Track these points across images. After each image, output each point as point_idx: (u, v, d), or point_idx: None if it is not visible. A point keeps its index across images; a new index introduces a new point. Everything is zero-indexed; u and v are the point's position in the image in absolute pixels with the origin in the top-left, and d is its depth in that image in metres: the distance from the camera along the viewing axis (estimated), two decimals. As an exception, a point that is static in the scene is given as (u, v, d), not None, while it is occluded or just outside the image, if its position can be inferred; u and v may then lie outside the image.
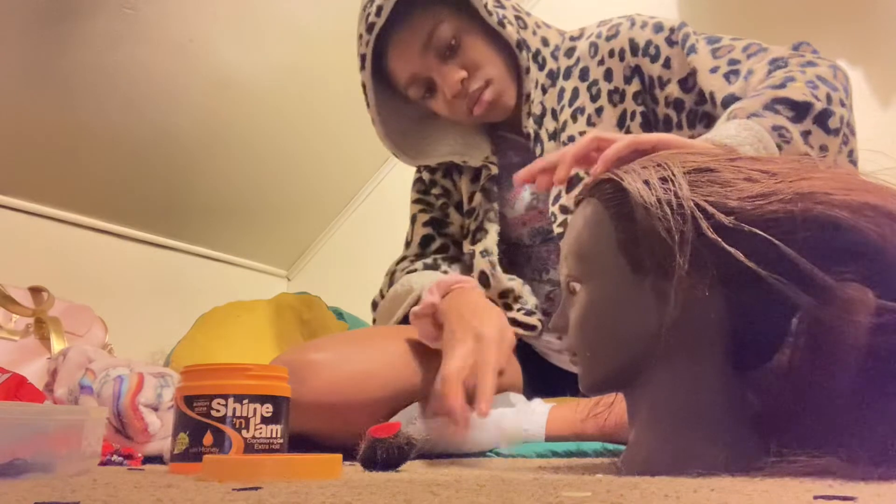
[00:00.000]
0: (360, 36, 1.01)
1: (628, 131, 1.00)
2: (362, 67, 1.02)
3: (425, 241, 1.15)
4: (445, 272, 1.09)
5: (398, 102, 1.10)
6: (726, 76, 0.92)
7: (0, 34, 1.32)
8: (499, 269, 1.07)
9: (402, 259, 1.16)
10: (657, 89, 0.99)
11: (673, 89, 0.98)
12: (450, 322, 0.86)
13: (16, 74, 1.39)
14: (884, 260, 0.46)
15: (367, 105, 1.06)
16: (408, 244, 1.19)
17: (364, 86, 1.04)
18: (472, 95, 1.01)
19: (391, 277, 1.12)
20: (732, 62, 0.93)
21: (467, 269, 1.12)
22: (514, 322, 1.07)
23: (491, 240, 1.09)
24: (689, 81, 0.97)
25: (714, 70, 0.93)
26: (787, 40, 1.70)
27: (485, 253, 1.08)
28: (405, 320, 1.02)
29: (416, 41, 0.99)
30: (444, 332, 0.86)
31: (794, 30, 1.70)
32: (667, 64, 0.98)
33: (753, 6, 1.75)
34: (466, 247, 1.12)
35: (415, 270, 1.10)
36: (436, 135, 1.14)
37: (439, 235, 1.16)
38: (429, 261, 1.11)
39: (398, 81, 1.05)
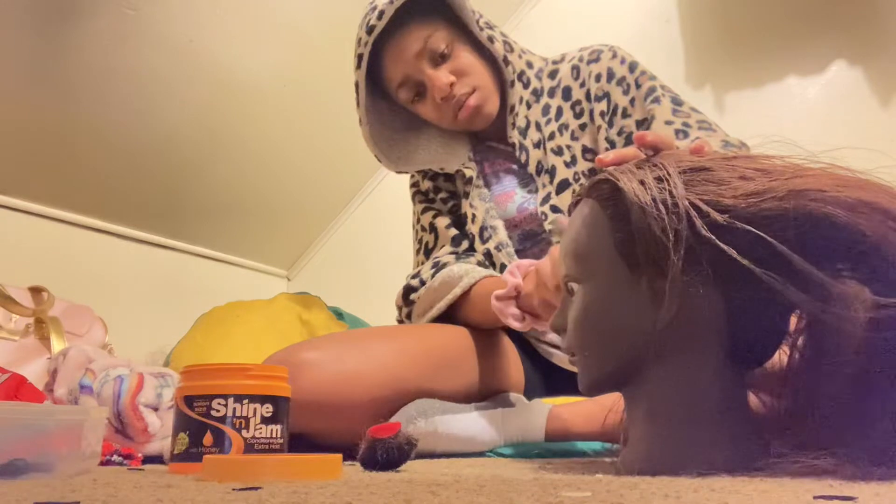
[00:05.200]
0: (360, 38, 1.06)
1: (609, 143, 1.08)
2: (358, 67, 1.07)
3: (456, 241, 1.15)
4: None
5: (385, 114, 1.16)
6: (676, 133, 0.99)
7: (0, 34, 1.32)
8: (517, 259, 1.10)
9: (437, 257, 1.14)
10: (618, 116, 1.08)
11: (630, 123, 1.06)
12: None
13: (16, 74, 1.39)
14: (879, 256, 0.46)
15: (357, 104, 1.10)
16: (429, 249, 1.18)
17: (357, 85, 1.09)
18: (459, 100, 1.08)
19: (436, 264, 1.11)
20: (686, 125, 1.00)
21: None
22: None
23: (502, 234, 1.12)
24: (644, 124, 1.05)
25: (669, 123, 1.01)
26: (788, 40, 1.71)
27: (500, 246, 1.11)
28: (445, 312, 1.04)
29: (411, 46, 1.06)
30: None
31: (794, 30, 1.70)
32: (632, 102, 1.08)
33: (754, 6, 1.75)
34: (478, 247, 1.13)
35: (469, 263, 1.10)
36: (417, 143, 1.18)
37: (464, 235, 1.17)
38: (480, 258, 1.12)
39: (391, 82, 1.10)
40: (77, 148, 1.58)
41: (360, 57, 1.06)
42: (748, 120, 1.67)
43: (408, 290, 1.12)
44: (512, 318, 0.89)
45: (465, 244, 1.15)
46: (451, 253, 1.14)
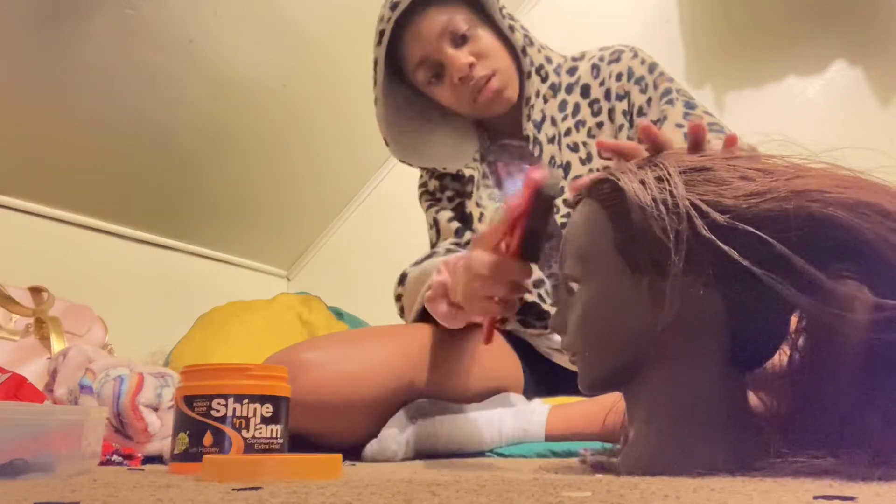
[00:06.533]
0: (382, 15, 1.07)
1: None
2: (378, 43, 1.07)
3: (459, 233, 1.15)
4: None
5: (400, 102, 1.15)
6: (686, 136, 0.97)
7: (0, 34, 1.32)
8: None
9: (437, 245, 1.15)
10: (636, 115, 1.08)
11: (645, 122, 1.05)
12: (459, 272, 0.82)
13: (16, 74, 1.39)
14: (879, 257, 0.46)
15: (374, 83, 1.10)
16: (433, 245, 1.18)
17: (375, 63, 1.09)
18: (479, 82, 1.07)
19: (431, 253, 1.10)
20: None
21: None
22: (546, 316, 1.08)
23: None
24: (657, 125, 1.05)
25: (679, 126, 1.01)
26: (788, 40, 1.71)
27: None
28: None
29: (433, 26, 1.06)
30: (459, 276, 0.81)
31: (794, 30, 1.70)
32: (648, 101, 1.08)
33: (754, 6, 1.75)
34: None
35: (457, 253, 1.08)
36: (427, 138, 1.18)
37: (468, 229, 1.16)
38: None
39: (410, 62, 1.10)
40: (77, 148, 1.58)
41: (381, 33, 1.06)
42: (748, 120, 1.67)
43: (401, 278, 1.10)
44: (442, 316, 0.89)
45: (467, 235, 1.14)
46: (454, 243, 1.13)
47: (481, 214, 1.13)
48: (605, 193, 0.54)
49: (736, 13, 1.77)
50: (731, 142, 0.55)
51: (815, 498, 0.35)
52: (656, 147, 0.57)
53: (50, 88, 1.45)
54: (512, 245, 0.68)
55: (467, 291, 0.76)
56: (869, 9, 1.61)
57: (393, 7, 1.04)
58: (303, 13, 1.69)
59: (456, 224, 1.15)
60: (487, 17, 1.09)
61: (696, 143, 0.55)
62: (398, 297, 1.13)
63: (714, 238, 0.47)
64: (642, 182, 0.52)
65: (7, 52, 1.35)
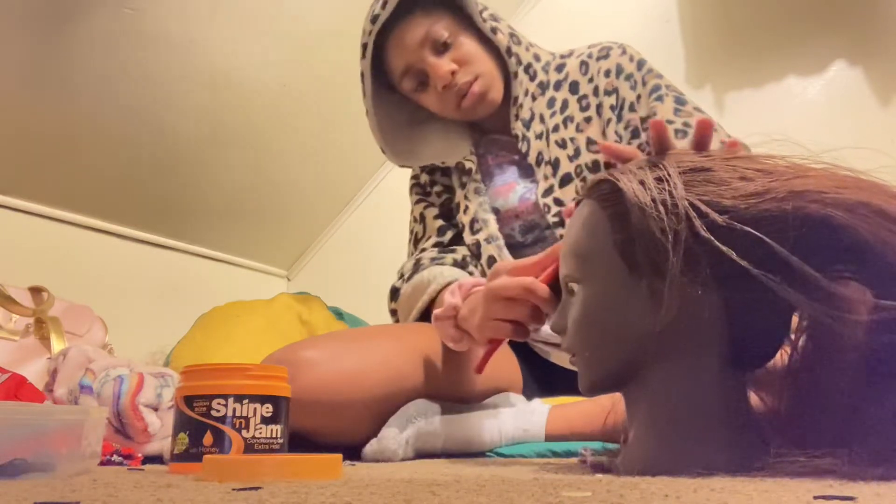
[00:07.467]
0: (365, 28, 1.08)
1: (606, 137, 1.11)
2: (363, 56, 1.09)
3: (441, 231, 1.17)
4: (471, 273, 1.11)
5: (391, 108, 1.17)
6: (676, 133, 1.00)
7: (0, 34, 1.32)
8: (506, 251, 1.11)
9: (423, 248, 1.17)
10: (625, 110, 1.09)
11: (635, 117, 1.08)
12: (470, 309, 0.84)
13: (16, 74, 1.39)
14: (878, 258, 0.46)
15: (364, 95, 1.11)
16: (417, 239, 1.21)
17: (362, 76, 1.10)
18: (462, 88, 1.08)
19: (416, 264, 1.12)
20: (686, 125, 1.01)
21: (475, 260, 1.15)
22: None
23: (493, 227, 1.13)
24: (647, 122, 1.06)
25: (669, 122, 1.01)
26: (788, 40, 1.71)
27: (490, 239, 1.11)
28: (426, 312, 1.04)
29: (414, 35, 1.07)
30: (469, 320, 0.83)
31: (794, 30, 1.70)
32: (638, 98, 1.09)
33: (754, 6, 1.75)
34: (467, 238, 1.14)
35: (444, 263, 1.11)
36: (421, 138, 1.19)
37: (451, 226, 1.19)
38: (458, 257, 1.13)
39: (394, 72, 1.11)
40: (77, 148, 1.58)
41: (364, 46, 1.08)
42: (748, 120, 1.67)
43: (392, 293, 1.15)
44: (448, 338, 0.89)
45: (449, 234, 1.17)
46: (436, 244, 1.16)
47: (466, 206, 1.15)
48: (605, 194, 0.54)
49: (736, 13, 1.77)
50: (732, 147, 0.56)
51: (815, 498, 0.35)
52: (662, 146, 0.57)
53: (50, 88, 1.45)
54: (545, 276, 0.69)
55: (485, 315, 0.76)
56: (869, 9, 1.61)
57: (373, 20, 1.06)
58: (303, 13, 1.69)
59: (440, 222, 1.18)
60: (470, 22, 1.10)
61: (702, 139, 0.56)
62: (393, 312, 1.14)
63: (712, 238, 0.47)
64: (642, 182, 0.51)
65: (7, 52, 1.35)
